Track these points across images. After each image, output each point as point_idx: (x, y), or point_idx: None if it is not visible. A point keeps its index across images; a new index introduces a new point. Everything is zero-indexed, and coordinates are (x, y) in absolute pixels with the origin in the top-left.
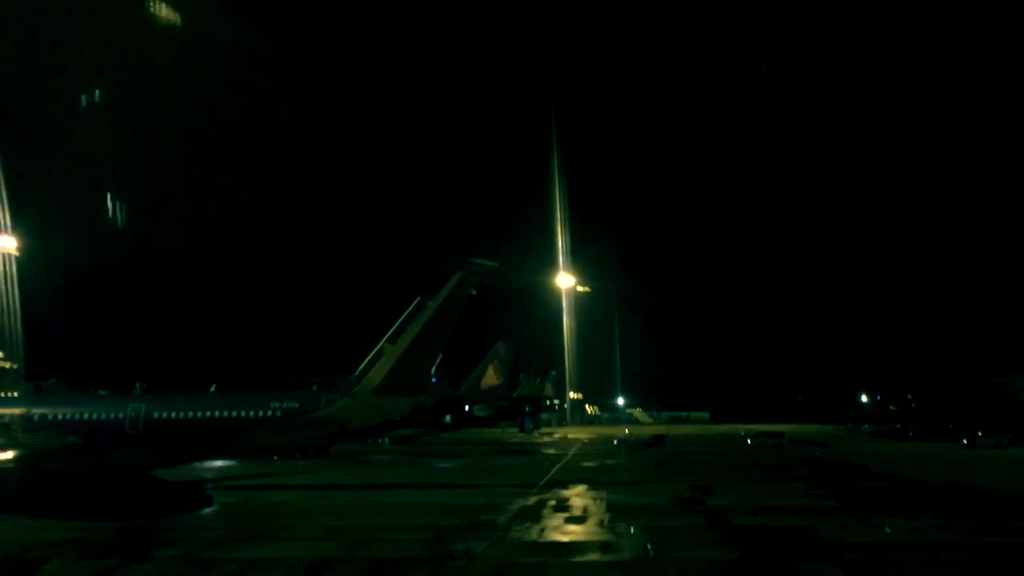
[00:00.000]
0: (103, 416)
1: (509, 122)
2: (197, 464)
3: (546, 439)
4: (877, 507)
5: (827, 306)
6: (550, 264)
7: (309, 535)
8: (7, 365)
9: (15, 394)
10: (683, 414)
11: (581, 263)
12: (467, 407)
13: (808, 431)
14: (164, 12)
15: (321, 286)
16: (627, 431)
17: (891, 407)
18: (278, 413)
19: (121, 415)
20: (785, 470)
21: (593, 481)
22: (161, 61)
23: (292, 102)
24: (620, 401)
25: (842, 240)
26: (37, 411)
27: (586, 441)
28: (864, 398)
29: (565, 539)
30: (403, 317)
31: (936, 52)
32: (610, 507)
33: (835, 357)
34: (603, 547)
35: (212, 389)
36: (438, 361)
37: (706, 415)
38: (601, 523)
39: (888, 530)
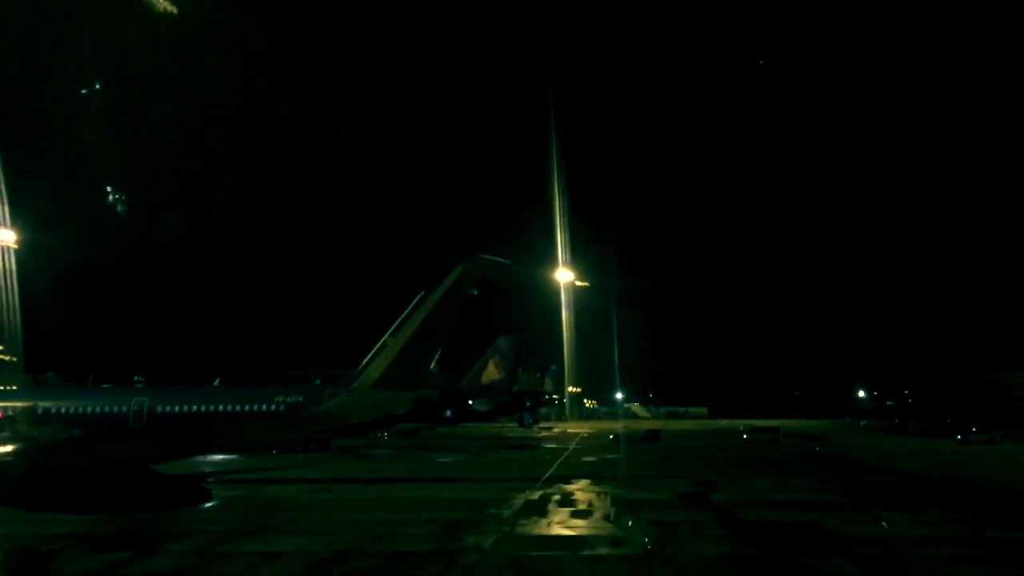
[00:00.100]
0: (107, 410)
1: (509, 118)
2: (199, 458)
3: (545, 434)
4: (882, 502)
5: (825, 302)
6: (549, 259)
7: (318, 529)
8: (6, 358)
9: (14, 387)
10: (681, 409)
11: (580, 258)
12: (471, 402)
13: (806, 426)
14: (161, 3)
15: (319, 281)
16: (622, 426)
17: (888, 402)
18: (282, 407)
19: (124, 409)
20: (787, 465)
21: (596, 476)
22: (161, 57)
23: (291, 97)
24: (618, 396)
25: (840, 236)
26: (42, 404)
27: (585, 436)
28: (861, 393)
29: (574, 533)
30: (406, 312)
31: (936, 52)
32: (615, 502)
33: (832, 353)
34: (613, 541)
35: (216, 383)
36: (437, 355)
37: (704, 410)
38: (608, 518)
39: (897, 525)
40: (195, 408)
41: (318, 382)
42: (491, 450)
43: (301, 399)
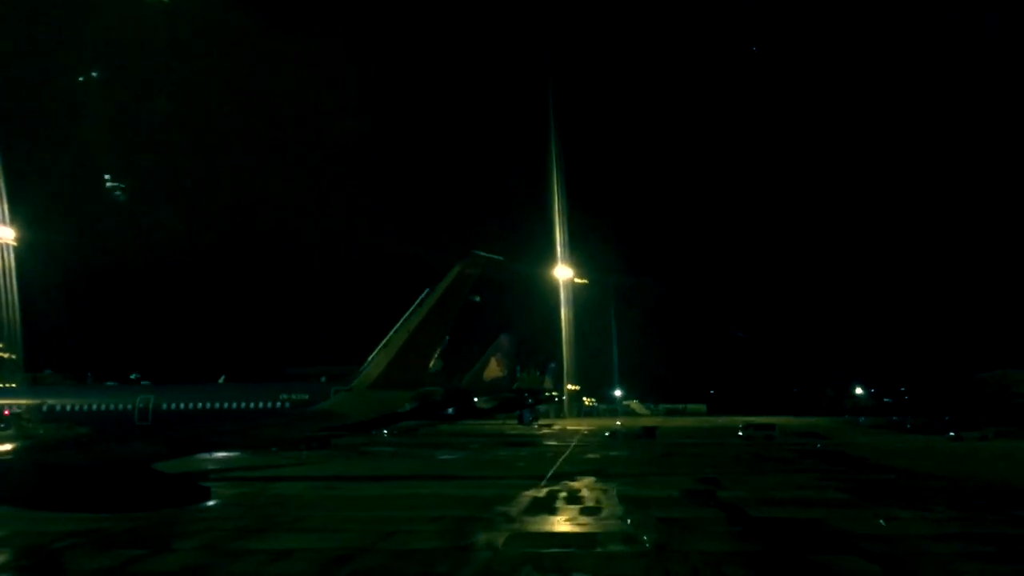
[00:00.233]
0: (112, 407)
1: (508, 116)
2: (205, 455)
3: (545, 431)
4: (888, 499)
5: (822, 300)
6: (548, 257)
7: (328, 526)
8: (5, 356)
9: (13, 384)
10: (680, 406)
11: (579, 256)
12: (475, 400)
13: (805, 423)
14: None
15: (318, 280)
16: (618, 423)
17: (885, 399)
18: (287, 404)
19: (130, 406)
20: (789, 462)
21: (600, 473)
22: (160, 56)
23: (291, 96)
24: (617, 393)
25: (837, 234)
26: (48, 402)
27: (586, 433)
28: (859, 391)
29: (584, 530)
30: (411, 309)
31: (936, 52)
32: (622, 499)
33: (830, 350)
34: (624, 538)
35: (221, 380)
36: (438, 353)
37: (703, 407)
38: (617, 515)
39: (905, 522)
40: (200, 406)
41: (323, 380)
42: (492, 447)
43: (306, 397)
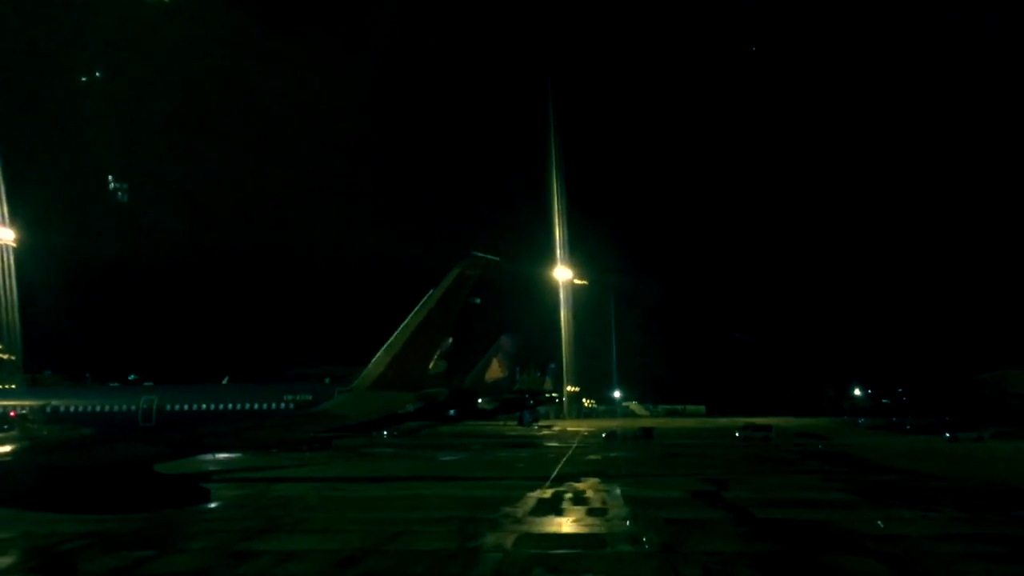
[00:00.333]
0: (115, 408)
1: (508, 117)
2: (206, 457)
3: (545, 432)
4: (894, 499)
5: (821, 301)
6: (548, 257)
7: (334, 528)
8: (5, 357)
9: (13, 386)
10: (679, 407)
11: (579, 257)
12: (481, 399)
13: (805, 424)
14: None
15: (318, 281)
16: (615, 424)
17: (884, 400)
18: (291, 405)
19: (133, 407)
20: (792, 463)
21: (603, 474)
22: (161, 57)
23: (290, 97)
24: (616, 394)
25: (837, 235)
26: (53, 403)
27: (586, 434)
28: (857, 391)
29: (592, 531)
30: (414, 311)
31: (936, 52)
32: (628, 500)
33: (828, 351)
34: (632, 540)
35: (225, 381)
36: (439, 354)
37: (702, 408)
38: (623, 516)
39: (912, 523)
40: (204, 407)
41: (327, 381)
42: (493, 448)
43: (310, 397)
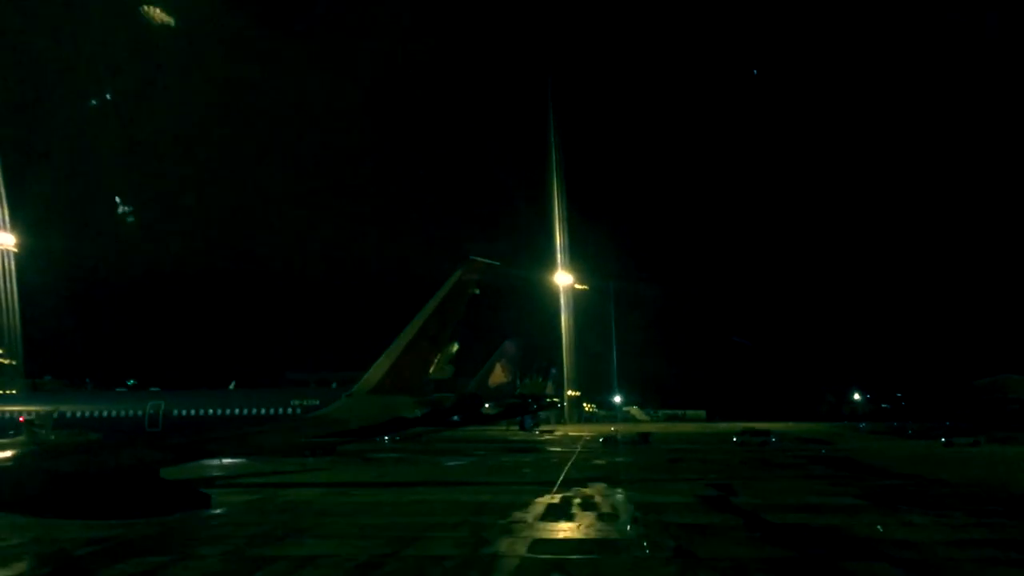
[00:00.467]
0: (123, 413)
1: (509, 120)
2: (211, 463)
3: (547, 437)
4: (904, 504)
5: (820, 305)
6: (549, 262)
7: (348, 533)
8: (5, 362)
9: (14, 391)
10: (680, 412)
11: (579, 261)
12: (487, 404)
13: (806, 429)
14: (158, 15)
15: (317, 286)
16: (613, 428)
17: (883, 405)
18: (298, 410)
19: (140, 412)
20: (797, 468)
21: (610, 479)
22: (159, 65)
23: (289, 103)
24: (617, 399)
25: (837, 241)
26: (60, 408)
27: (588, 439)
28: (856, 396)
29: (605, 537)
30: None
31: (936, 52)
32: (638, 505)
33: (829, 356)
34: (647, 545)
35: (231, 386)
36: (450, 359)
37: (703, 413)
38: (635, 521)
39: (925, 528)
40: (211, 412)
41: (334, 385)
42: (497, 453)
43: (318, 402)
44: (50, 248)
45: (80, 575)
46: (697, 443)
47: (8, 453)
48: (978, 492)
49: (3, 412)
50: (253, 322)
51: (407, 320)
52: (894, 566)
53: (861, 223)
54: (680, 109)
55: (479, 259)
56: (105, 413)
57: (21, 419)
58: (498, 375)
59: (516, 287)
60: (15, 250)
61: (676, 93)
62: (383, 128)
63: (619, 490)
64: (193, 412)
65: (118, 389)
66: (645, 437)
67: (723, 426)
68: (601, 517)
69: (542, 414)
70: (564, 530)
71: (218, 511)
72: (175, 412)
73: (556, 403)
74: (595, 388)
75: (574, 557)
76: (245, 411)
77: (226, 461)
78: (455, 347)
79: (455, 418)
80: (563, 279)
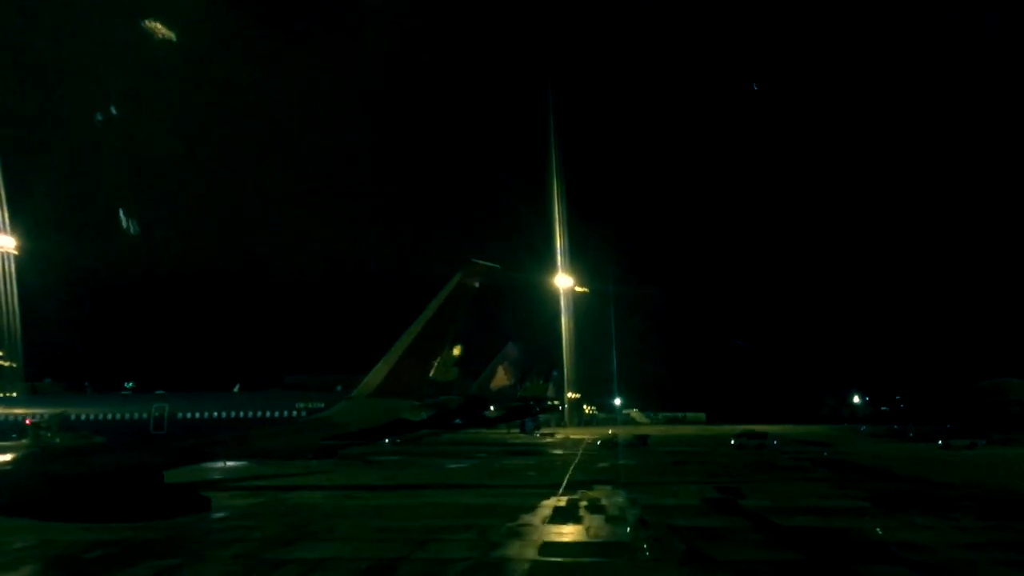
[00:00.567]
0: (127, 416)
1: (509, 121)
2: (213, 465)
3: (548, 440)
4: (911, 507)
5: (820, 308)
6: (549, 265)
7: (357, 536)
8: (5, 364)
9: (14, 393)
10: (680, 415)
11: (579, 263)
12: (492, 407)
13: (806, 432)
14: (159, 30)
15: (316, 289)
16: (610, 431)
17: (883, 408)
18: (303, 413)
19: (145, 415)
20: (801, 471)
21: (614, 482)
22: (163, 64)
23: (288, 106)
24: (617, 402)
25: (837, 243)
26: (66, 411)
27: (589, 441)
28: (856, 399)
29: (616, 539)
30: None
31: (936, 52)
32: (644, 508)
33: (829, 359)
34: (657, 547)
35: (235, 389)
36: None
37: (702, 415)
38: (643, 523)
39: (936, 531)
40: (215, 415)
41: (339, 388)
42: (500, 456)
43: (323, 405)
44: (50, 250)
45: None
46: (696, 446)
47: (9, 456)
48: (984, 494)
49: (7, 415)
50: (252, 324)
51: (408, 322)
52: (909, 569)
53: (861, 225)
54: (680, 112)
55: (479, 262)
56: (110, 416)
57: (28, 422)
58: (500, 378)
59: (516, 290)
60: (15, 253)
61: (676, 96)
62: (383, 129)
63: (625, 493)
64: (198, 415)
65: (123, 392)
66: (643, 440)
67: (723, 428)
68: (609, 520)
69: (542, 417)
70: (573, 533)
71: (221, 514)
72: (180, 415)
73: (557, 406)
74: (595, 391)
75: (585, 560)
76: (250, 414)
77: (229, 464)
78: (459, 350)
79: (457, 421)
80: (563, 282)
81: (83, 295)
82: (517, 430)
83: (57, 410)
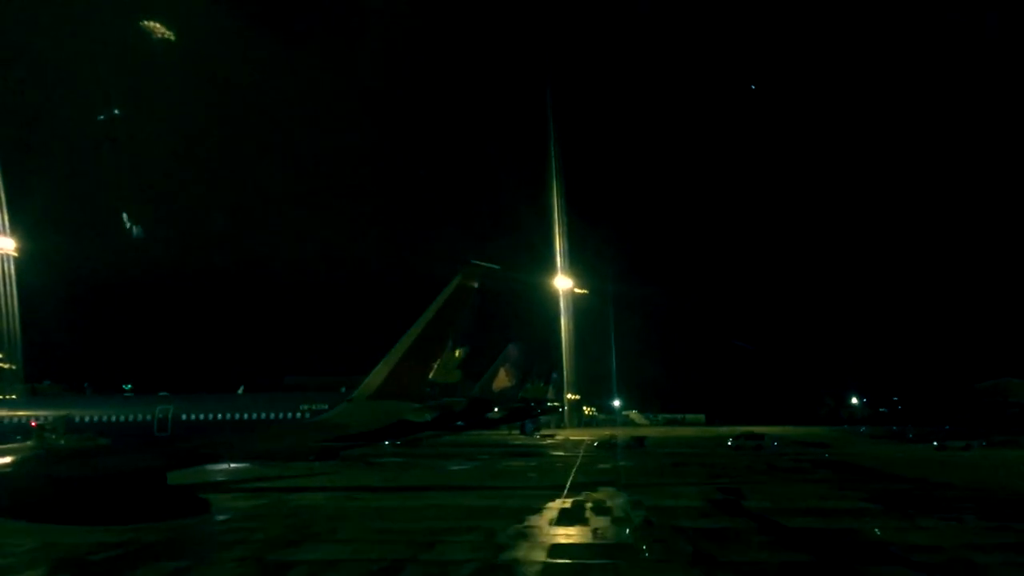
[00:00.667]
0: (131, 418)
1: (509, 122)
2: (215, 467)
3: (549, 441)
4: (915, 508)
5: (819, 310)
6: (548, 266)
7: (363, 537)
8: (5, 366)
9: (14, 396)
10: (679, 416)
11: (579, 265)
12: (496, 409)
13: (806, 433)
14: (158, 29)
15: (316, 291)
16: (607, 433)
17: (881, 409)
18: (308, 415)
19: (149, 417)
20: (803, 472)
21: (617, 483)
22: (163, 64)
23: (289, 103)
24: (616, 403)
25: (837, 244)
26: (71, 413)
27: (589, 443)
28: (854, 400)
29: (622, 541)
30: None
31: (936, 52)
32: (648, 509)
33: (828, 360)
34: (664, 549)
35: (240, 391)
36: (456, 363)
37: (702, 417)
38: (649, 525)
39: (941, 532)
40: (220, 416)
41: (343, 390)
42: (501, 458)
43: (327, 407)
44: (49, 251)
45: None
46: (695, 447)
47: (10, 459)
48: (986, 495)
49: (11, 417)
50: (252, 325)
51: (408, 323)
52: (917, 571)
53: (861, 226)
54: (679, 113)
55: (479, 263)
56: (114, 418)
57: (33, 423)
58: (502, 379)
59: (516, 291)
60: (15, 254)
61: (675, 97)
62: (383, 129)
63: (629, 495)
64: (202, 416)
65: (126, 394)
66: (640, 441)
67: (721, 430)
68: (615, 521)
69: (543, 418)
70: (580, 535)
71: (224, 516)
72: (184, 416)
73: (557, 407)
74: (595, 392)
75: (596, 562)
76: (254, 415)
77: (232, 466)
78: (461, 352)
79: (460, 423)
80: (563, 283)
81: (83, 296)
82: (517, 431)
83: (61, 412)
